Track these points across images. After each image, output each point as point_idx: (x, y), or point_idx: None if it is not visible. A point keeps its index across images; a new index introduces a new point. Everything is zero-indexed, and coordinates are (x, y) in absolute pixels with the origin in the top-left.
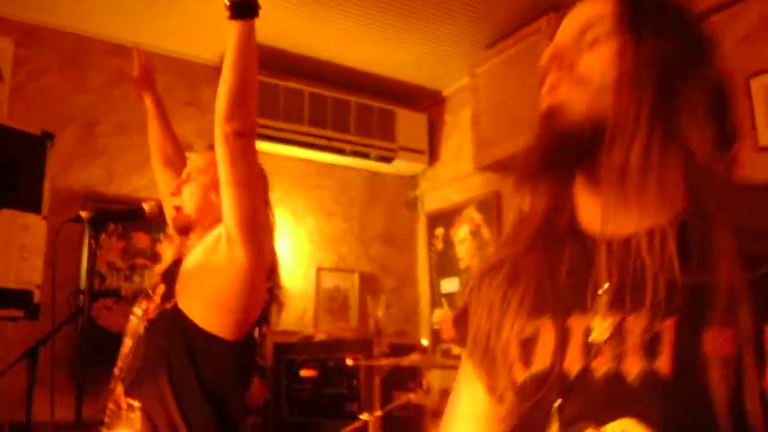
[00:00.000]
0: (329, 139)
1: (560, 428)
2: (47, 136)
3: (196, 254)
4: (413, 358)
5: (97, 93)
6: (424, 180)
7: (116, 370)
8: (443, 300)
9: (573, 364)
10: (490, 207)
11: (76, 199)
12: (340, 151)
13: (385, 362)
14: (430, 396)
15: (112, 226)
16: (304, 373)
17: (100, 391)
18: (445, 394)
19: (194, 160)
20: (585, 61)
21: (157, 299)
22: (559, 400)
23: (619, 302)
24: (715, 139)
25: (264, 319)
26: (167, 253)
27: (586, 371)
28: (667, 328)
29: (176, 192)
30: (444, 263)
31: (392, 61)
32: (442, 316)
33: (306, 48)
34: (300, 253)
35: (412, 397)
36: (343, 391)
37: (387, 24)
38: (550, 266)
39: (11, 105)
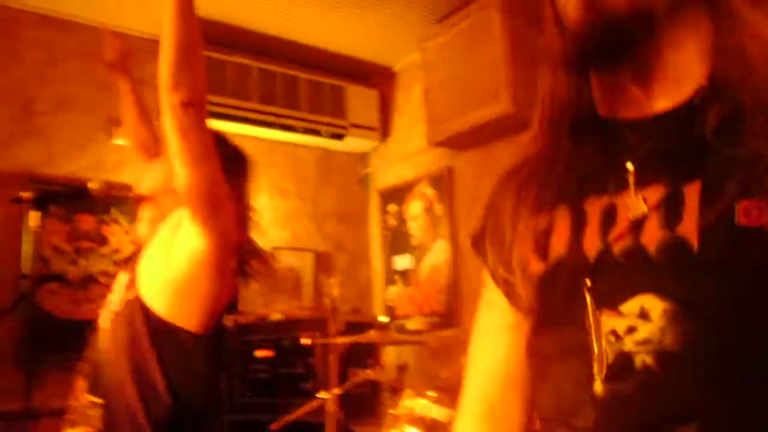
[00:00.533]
0: (279, 116)
1: (594, 312)
2: None
3: (157, 239)
4: (370, 335)
5: (33, 68)
6: (375, 157)
7: (81, 365)
8: (396, 277)
9: (592, 246)
10: (443, 183)
11: (15, 180)
12: (290, 129)
13: (342, 340)
14: (387, 372)
15: (54, 209)
16: (260, 353)
17: (50, 379)
18: (401, 369)
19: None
20: None
21: (122, 289)
22: (588, 283)
23: (642, 180)
24: None
25: (234, 304)
26: (136, 238)
27: (606, 250)
28: (691, 191)
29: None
30: (397, 240)
31: (342, 37)
32: (396, 292)
33: (254, 23)
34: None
35: (369, 373)
36: (300, 370)
37: None
38: (570, 159)
39: None
